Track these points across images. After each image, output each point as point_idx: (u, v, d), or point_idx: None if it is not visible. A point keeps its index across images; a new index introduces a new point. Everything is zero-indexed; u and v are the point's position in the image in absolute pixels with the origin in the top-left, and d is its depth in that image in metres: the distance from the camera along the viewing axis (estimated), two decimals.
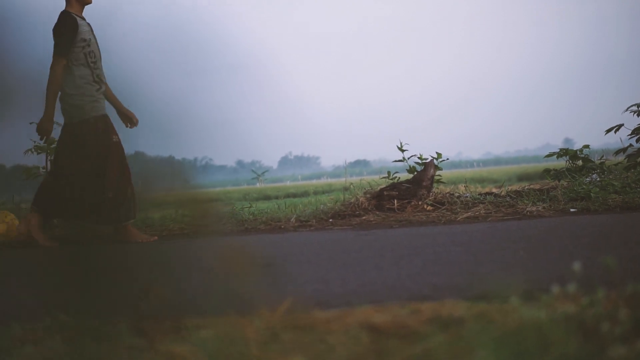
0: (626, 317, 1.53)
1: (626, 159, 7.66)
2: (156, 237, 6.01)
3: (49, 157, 7.10)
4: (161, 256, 4.69)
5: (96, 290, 2.68)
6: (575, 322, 1.56)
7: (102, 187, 5.75)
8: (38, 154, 7.07)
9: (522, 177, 25.83)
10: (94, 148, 5.79)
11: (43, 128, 5.74)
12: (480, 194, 6.95)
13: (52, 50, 5.73)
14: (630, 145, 7.75)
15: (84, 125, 5.79)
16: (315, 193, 24.62)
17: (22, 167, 7.15)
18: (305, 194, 25.72)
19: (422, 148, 5.65)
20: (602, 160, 7.83)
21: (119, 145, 5.89)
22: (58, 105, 5.84)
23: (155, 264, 4.22)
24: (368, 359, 1.53)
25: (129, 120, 6.23)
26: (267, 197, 25.35)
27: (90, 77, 5.80)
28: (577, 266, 1.88)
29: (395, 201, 6.56)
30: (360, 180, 7.77)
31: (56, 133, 6.09)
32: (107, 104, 6.10)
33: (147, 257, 4.66)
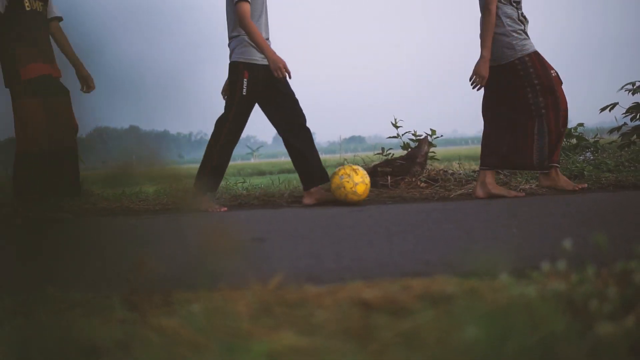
0: (615, 295, 1.53)
1: (620, 138, 7.68)
2: None
3: None
4: (153, 230, 4.69)
5: (88, 264, 2.69)
6: (565, 299, 1.57)
7: None
8: None
9: None
10: None
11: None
12: (473, 171, 6.96)
13: None
14: (625, 124, 7.77)
15: None
16: None
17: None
18: None
19: (417, 125, 5.65)
20: (596, 139, 7.84)
21: None
22: None
23: (147, 237, 4.23)
24: (358, 334, 1.54)
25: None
26: (261, 173, 25.37)
27: None
28: (567, 244, 1.89)
29: (389, 178, 6.56)
30: (354, 156, 7.77)
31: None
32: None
33: (140, 231, 4.66)
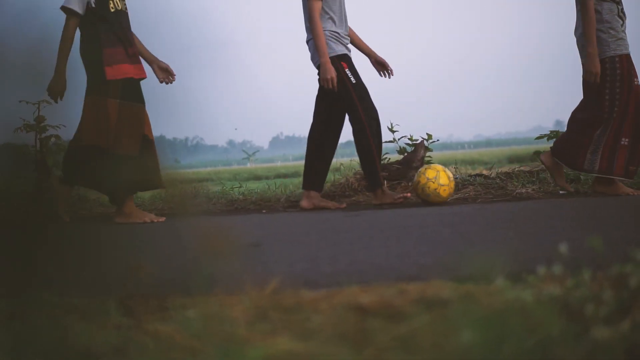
0: (611, 299, 1.53)
1: None
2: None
3: (38, 136, 7.04)
4: (149, 235, 4.69)
5: (84, 269, 2.68)
6: (561, 303, 1.57)
7: None
8: (27, 132, 7.00)
9: (512, 159, 25.85)
10: None
11: None
12: (470, 176, 6.97)
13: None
14: None
15: None
16: None
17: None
18: (296, 174, 25.70)
19: (413, 129, 5.66)
20: None
21: None
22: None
23: (143, 242, 4.22)
24: (354, 338, 1.54)
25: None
26: (257, 178, 25.37)
27: None
28: (563, 247, 1.89)
29: (385, 182, 6.56)
30: (351, 160, 7.76)
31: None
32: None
33: (135, 236, 4.66)
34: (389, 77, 6.25)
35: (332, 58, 5.59)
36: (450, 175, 5.68)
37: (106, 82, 5.33)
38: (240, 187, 7.76)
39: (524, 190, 6.04)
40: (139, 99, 5.52)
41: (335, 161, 6.60)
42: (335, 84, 5.52)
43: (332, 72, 5.49)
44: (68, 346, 1.57)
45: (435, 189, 5.55)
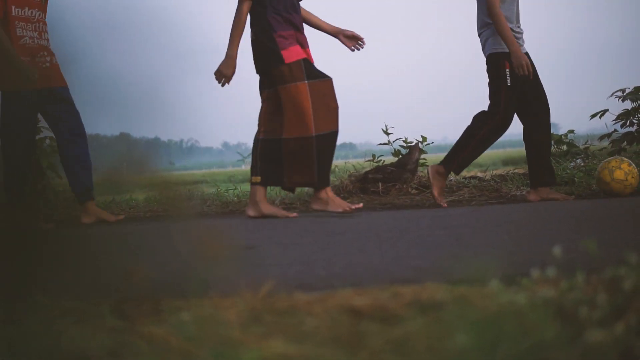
0: (604, 302, 1.53)
1: (610, 144, 7.70)
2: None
3: None
4: (143, 237, 4.68)
5: (78, 272, 2.68)
6: (554, 306, 1.57)
7: None
8: None
9: (507, 162, 25.85)
10: None
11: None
12: (464, 178, 6.98)
13: None
14: (615, 130, 7.79)
15: None
16: None
17: None
18: None
19: (408, 132, 5.67)
20: (586, 145, 7.86)
21: None
22: None
23: (137, 245, 4.22)
24: (348, 341, 1.54)
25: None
26: None
27: None
28: (557, 250, 1.89)
29: (380, 184, 6.57)
30: (345, 163, 7.77)
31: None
32: None
33: (130, 238, 4.65)
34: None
35: (498, 54, 5.52)
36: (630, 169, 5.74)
37: (286, 65, 5.16)
38: (235, 189, 7.76)
39: (518, 193, 6.05)
40: (323, 75, 5.29)
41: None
42: (530, 70, 5.44)
43: (524, 57, 5.39)
44: (63, 349, 1.57)
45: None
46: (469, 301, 1.68)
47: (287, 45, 5.15)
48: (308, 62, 5.19)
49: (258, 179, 5.34)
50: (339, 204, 5.21)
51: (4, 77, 5.59)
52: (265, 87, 5.35)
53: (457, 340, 1.34)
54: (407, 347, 1.46)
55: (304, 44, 5.28)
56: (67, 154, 5.84)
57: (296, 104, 5.10)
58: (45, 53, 5.76)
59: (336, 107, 5.20)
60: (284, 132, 5.22)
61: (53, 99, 5.75)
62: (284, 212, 5.43)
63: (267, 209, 5.41)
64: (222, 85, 5.40)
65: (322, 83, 5.14)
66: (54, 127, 5.89)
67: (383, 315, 1.71)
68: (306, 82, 5.09)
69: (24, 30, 5.67)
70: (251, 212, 5.44)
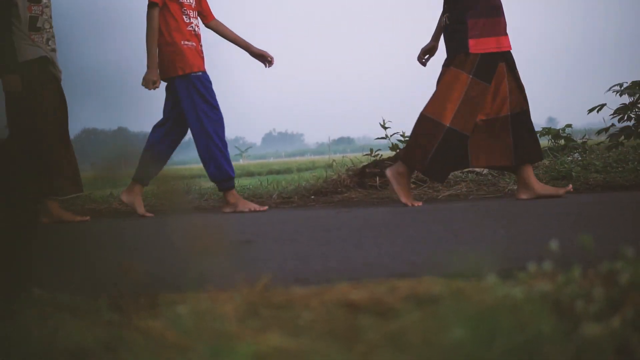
0: (601, 296, 1.53)
1: (608, 139, 7.70)
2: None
3: None
4: (141, 232, 4.68)
5: (75, 266, 2.68)
6: (551, 300, 1.57)
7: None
8: None
9: None
10: None
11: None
12: (462, 172, 6.97)
13: None
14: (613, 125, 7.80)
15: None
16: (299, 170, 24.66)
17: None
18: (288, 171, 25.73)
19: (405, 126, 5.63)
20: (584, 140, 7.86)
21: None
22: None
23: (134, 239, 4.22)
24: (344, 335, 1.54)
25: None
26: (250, 174, 25.38)
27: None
28: (553, 244, 1.89)
29: (378, 179, 6.56)
30: (343, 157, 7.76)
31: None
32: None
33: (127, 233, 4.65)
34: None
35: None
36: None
37: (471, 56, 5.11)
38: None
39: (515, 187, 6.05)
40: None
41: (328, 158, 6.59)
42: None
43: None
44: (59, 344, 1.57)
45: None
46: (466, 295, 1.68)
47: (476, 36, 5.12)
48: (486, 59, 5.14)
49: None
50: None
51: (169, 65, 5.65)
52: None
53: (454, 334, 1.34)
54: (404, 341, 1.46)
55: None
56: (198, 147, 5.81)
57: (450, 89, 5.11)
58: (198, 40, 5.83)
59: (476, 114, 5.17)
60: (426, 106, 5.21)
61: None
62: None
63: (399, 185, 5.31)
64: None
65: (481, 86, 5.10)
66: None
67: (379, 309, 1.71)
68: (470, 76, 5.08)
69: (190, 17, 5.71)
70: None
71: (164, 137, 5.84)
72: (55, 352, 1.53)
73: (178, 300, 1.91)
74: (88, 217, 5.82)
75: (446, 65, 5.23)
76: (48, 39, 5.62)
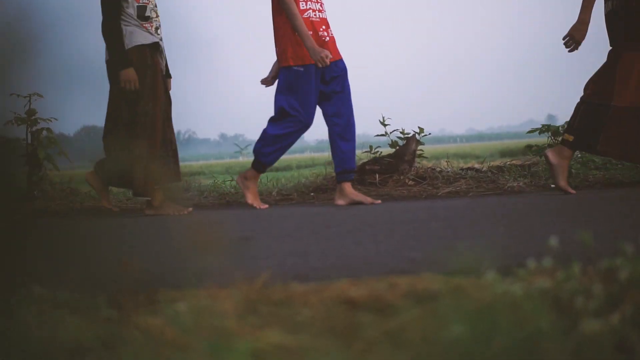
0: (600, 292, 1.53)
1: None
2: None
3: (29, 129, 7.01)
4: (140, 229, 4.68)
5: (74, 263, 2.68)
6: (550, 296, 1.57)
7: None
8: (18, 125, 6.95)
9: (504, 153, 25.83)
10: None
11: None
12: (461, 169, 6.96)
13: None
14: None
15: None
16: (298, 167, 24.63)
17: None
18: (287, 168, 25.69)
19: (405, 123, 5.66)
20: None
21: None
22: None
23: (133, 236, 4.22)
24: (343, 332, 1.54)
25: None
26: None
27: None
28: (553, 241, 1.89)
29: (377, 175, 6.56)
30: None
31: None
32: None
33: (126, 230, 4.65)
34: None
35: None
36: None
37: None
38: (232, 180, 7.75)
39: (515, 184, 6.05)
40: None
41: (328, 155, 6.59)
42: None
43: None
44: (58, 341, 1.57)
45: None
46: (465, 292, 1.68)
47: None
48: None
49: (570, 137, 5.27)
50: None
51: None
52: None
53: (453, 330, 1.34)
54: (403, 338, 1.46)
55: None
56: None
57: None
58: (324, 27, 5.65)
59: None
60: (614, 98, 5.10)
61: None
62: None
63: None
64: (571, 50, 5.44)
65: None
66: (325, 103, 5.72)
67: (378, 306, 1.71)
68: None
69: (307, 3, 5.60)
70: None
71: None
72: (54, 349, 1.53)
73: (177, 297, 1.91)
74: (190, 209, 5.74)
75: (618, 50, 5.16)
76: (157, 28, 5.63)
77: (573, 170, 6.28)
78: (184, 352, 1.44)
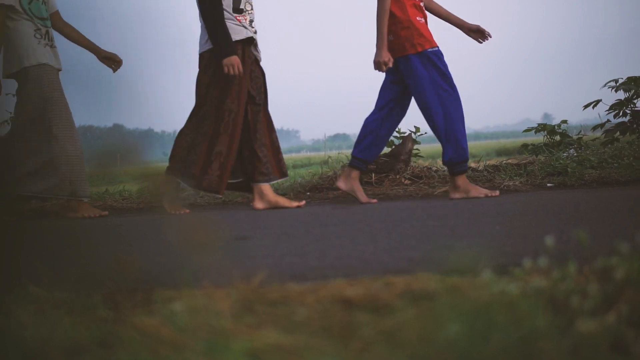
0: (596, 291, 1.54)
1: (603, 135, 7.70)
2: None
3: None
4: (136, 228, 4.68)
5: (70, 262, 2.68)
6: (546, 296, 1.57)
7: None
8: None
9: (500, 152, 25.84)
10: None
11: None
12: None
13: None
14: (608, 120, 7.80)
15: None
16: (295, 167, 24.61)
17: None
18: None
19: (401, 122, 5.63)
20: (579, 136, 7.86)
21: None
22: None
23: (130, 236, 4.21)
24: (340, 332, 1.54)
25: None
26: None
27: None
28: (549, 240, 1.89)
29: (373, 175, 6.57)
30: (339, 153, 7.75)
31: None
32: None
33: (123, 230, 4.65)
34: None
35: None
36: None
37: None
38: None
39: (511, 183, 6.05)
40: None
41: (324, 154, 6.59)
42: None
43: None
44: (54, 341, 1.57)
45: None
46: (461, 291, 1.68)
47: None
48: None
49: None
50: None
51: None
52: None
53: (449, 330, 1.34)
54: (399, 337, 1.46)
55: None
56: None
57: None
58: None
59: None
60: None
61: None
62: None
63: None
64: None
65: None
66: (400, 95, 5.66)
67: (375, 306, 1.71)
68: None
69: None
70: None
71: (383, 121, 5.60)
72: (50, 349, 1.53)
73: (173, 296, 1.91)
74: (303, 202, 5.72)
75: None
76: (251, 21, 5.56)
77: (569, 170, 6.29)
78: (181, 352, 1.44)
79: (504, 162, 7.08)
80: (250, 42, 5.58)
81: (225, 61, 5.30)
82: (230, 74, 5.30)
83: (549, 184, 6.00)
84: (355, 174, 5.63)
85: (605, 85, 7.70)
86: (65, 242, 2.82)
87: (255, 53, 5.66)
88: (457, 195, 5.41)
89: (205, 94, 5.47)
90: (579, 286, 1.60)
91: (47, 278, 2.22)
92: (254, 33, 5.61)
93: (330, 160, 7.44)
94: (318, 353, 1.41)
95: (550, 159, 6.77)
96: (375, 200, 5.53)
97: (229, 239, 3.53)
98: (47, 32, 5.74)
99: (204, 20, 5.44)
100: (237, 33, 5.46)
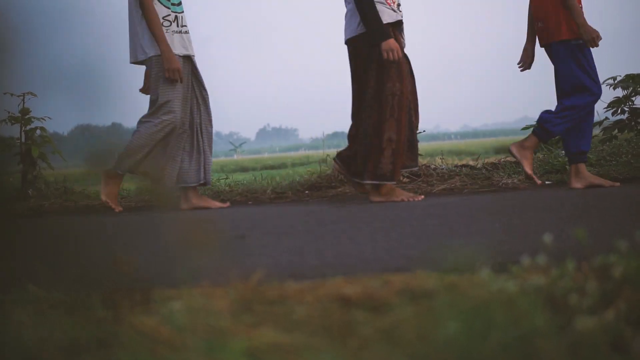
0: (594, 289, 1.54)
1: (602, 132, 7.71)
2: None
3: (23, 128, 7.01)
4: (134, 227, 4.68)
5: (68, 262, 2.67)
6: (545, 294, 1.57)
7: None
8: (12, 124, 6.95)
9: (499, 150, 25.82)
10: None
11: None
12: (456, 166, 6.97)
13: None
14: (606, 118, 7.80)
15: None
16: (293, 165, 24.62)
17: None
18: (282, 166, 25.66)
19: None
20: None
21: None
22: None
23: (128, 235, 4.21)
24: (338, 330, 1.54)
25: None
26: (244, 169, 25.31)
27: None
28: (547, 238, 1.89)
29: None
30: (337, 152, 7.75)
31: None
32: None
33: (121, 228, 4.65)
34: None
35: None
36: None
37: None
38: (226, 178, 7.75)
39: (509, 181, 6.05)
40: None
41: (322, 152, 6.58)
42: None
43: None
44: (53, 340, 1.56)
45: None
46: (460, 289, 1.68)
47: None
48: None
49: None
50: None
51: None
52: None
53: (448, 328, 1.34)
54: (397, 336, 1.46)
55: None
56: None
57: None
58: None
59: None
60: None
61: None
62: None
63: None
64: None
65: None
66: None
67: (373, 304, 1.71)
68: None
69: None
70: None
71: None
72: (49, 348, 1.53)
73: (172, 296, 1.91)
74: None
75: None
76: (398, 5, 5.39)
77: (567, 167, 6.30)
78: (179, 351, 1.44)
79: (503, 160, 7.07)
80: (398, 26, 5.40)
81: (384, 45, 5.10)
82: (390, 59, 5.10)
83: (547, 182, 6.00)
84: (531, 142, 5.61)
85: (603, 82, 7.70)
86: (63, 241, 2.81)
87: (401, 39, 5.46)
88: (578, 185, 5.48)
89: (366, 81, 5.32)
90: (577, 284, 1.60)
91: (46, 278, 2.21)
92: (401, 17, 5.42)
93: (328, 158, 7.43)
94: (317, 351, 1.41)
95: (548, 156, 6.77)
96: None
97: (227, 238, 3.53)
98: (177, 17, 5.63)
99: (357, 4, 5.22)
100: (389, 16, 5.25)
